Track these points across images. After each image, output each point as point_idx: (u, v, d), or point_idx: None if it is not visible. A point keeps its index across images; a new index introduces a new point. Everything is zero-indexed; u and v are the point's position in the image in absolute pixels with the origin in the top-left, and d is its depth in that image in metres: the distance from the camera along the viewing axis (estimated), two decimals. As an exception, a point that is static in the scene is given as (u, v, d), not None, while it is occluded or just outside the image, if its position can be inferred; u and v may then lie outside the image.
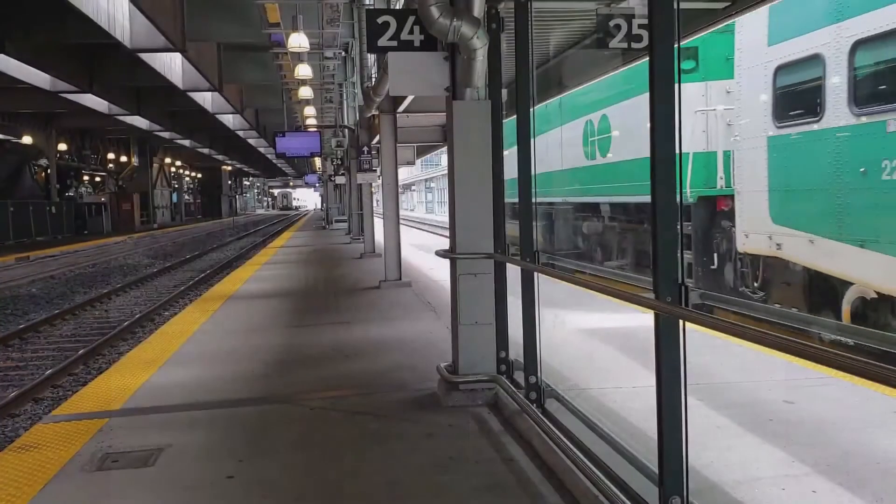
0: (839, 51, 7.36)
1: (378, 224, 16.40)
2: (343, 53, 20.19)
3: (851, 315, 7.68)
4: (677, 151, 2.92)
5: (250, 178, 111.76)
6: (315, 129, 24.38)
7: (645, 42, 5.75)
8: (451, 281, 5.54)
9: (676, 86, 2.92)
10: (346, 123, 22.64)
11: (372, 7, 13.90)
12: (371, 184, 17.87)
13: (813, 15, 7.82)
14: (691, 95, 10.39)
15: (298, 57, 17.44)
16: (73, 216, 40.87)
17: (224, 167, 74.30)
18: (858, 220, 7.20)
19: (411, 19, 5.50)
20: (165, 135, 41.06)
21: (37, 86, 22.35)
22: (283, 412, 5.38)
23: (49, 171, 39.26)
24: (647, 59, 2.91)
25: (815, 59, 7.70)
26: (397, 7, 11.08)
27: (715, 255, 10.49)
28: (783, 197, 8.39)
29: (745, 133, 9.21)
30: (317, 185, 65.92)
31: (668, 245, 2.92)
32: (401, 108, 11.89)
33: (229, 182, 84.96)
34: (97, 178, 50.46)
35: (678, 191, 2.93)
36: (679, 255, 2.95)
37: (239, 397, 5.77)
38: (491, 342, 5.36)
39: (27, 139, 35.60)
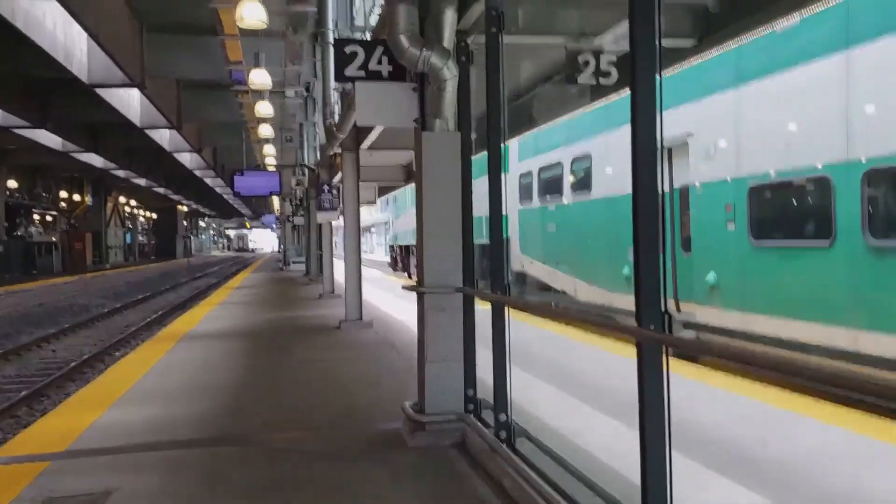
0: (536, 170, 14.00)
1: (338, 264, 16.21)
2: (305, 93, 20.14)
3: (556, 304, 13.14)
4: (659, 181, 2.88)
5: (206, 220, 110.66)
6: (274, 169, 24.18)
7: (613, 78, 5.83)
8: (419, 317, 5.37)
9: (658, 120, 2.87)
10: (306, 163, 22.49)
11: (338, 39, 13.89)
12: (331, 223, 17.67)
13: (530, 150, 14.28)
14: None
15: (260, 94, 17.34)
16: (22, 256, 39.73)
17: (179, 207, 73.39)
18: (546, 252, 13.66)
19: (379, 49, 5.43)
20: (121, 173, 40.45)
21: (-13, 120, 21.87)
22: (240, 454, 5.12)
23: (-3, 209, 38.24)
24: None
25: (529, 173, 14.33)
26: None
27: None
28: (523, 240, 14.86)
29: (511, 205, 14.95)
30: (274, 225, 65.51)
31: (650, 274, 2.84)
32: (365, 145, 11.76)
33: (185, 223, 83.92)
34: (48, 217, 49.33)
35: (660, 222, 2.90)
36: (662, 283, 2.86)
37: (192, 437, 5.48)
38: (459, 380, 5.17)
39: (-25, 176, 34.72)
